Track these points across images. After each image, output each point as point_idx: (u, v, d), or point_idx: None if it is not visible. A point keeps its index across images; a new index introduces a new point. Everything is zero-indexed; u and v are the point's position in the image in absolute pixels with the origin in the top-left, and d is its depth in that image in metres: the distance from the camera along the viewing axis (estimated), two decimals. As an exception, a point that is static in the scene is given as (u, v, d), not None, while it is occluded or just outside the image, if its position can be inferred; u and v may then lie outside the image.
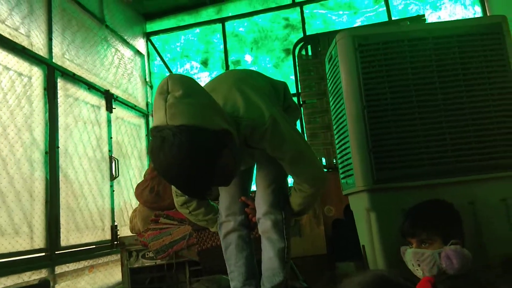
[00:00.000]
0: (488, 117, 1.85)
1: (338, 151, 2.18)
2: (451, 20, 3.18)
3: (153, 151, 1.02)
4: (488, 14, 3.23)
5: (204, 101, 1.06)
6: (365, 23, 3.58)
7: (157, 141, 1.00)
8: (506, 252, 1.79)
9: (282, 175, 1.47)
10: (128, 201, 3.33)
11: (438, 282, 1.36)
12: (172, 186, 1.50)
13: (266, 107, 1.22)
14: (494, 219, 1.80)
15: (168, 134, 0.97)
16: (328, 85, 2.31)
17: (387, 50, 1.92)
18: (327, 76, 2.31)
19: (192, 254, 2.18)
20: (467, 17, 3.20)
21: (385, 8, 3.56)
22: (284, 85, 1.58)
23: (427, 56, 1.90)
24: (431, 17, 3.40)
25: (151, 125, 3.99)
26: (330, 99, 2.27)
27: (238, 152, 1.12)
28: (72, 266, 2.48)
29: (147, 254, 2.29)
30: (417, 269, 1.41)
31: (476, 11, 3.34)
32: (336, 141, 2.22)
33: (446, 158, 1.83)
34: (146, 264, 2.28)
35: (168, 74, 3.99)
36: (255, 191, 1.56)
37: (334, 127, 2.23)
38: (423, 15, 3.24)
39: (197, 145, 0.98)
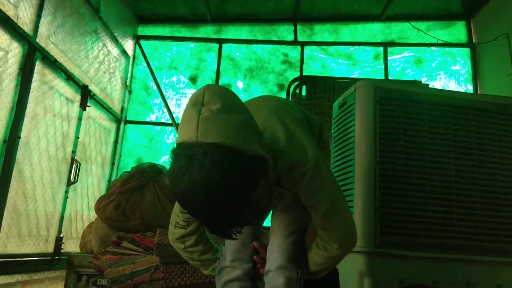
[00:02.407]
0: (496, 197, 1.81)
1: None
2: (471, 93, 3.26)
3: (175, 172, 0.82)
4: (478, 93, 3.33)
5: (244, 120, 0.89)
6: (362, 76, 3.58)
7: (182, 160, 0.81)
8: None
9: (305, 225, 1.28)
10: (80, 211, 2.96)
11: None
12: (174, 215, 1.25)
13: (310, 145, 1.06)
14: (488, 305, 1.71)
15: (198, 152, 0.80)
16: (333, 131, 2.20)
17: (407, 108, 1.85)
18: (334, 122, 2.20)
19: (154, 290, 1.89)
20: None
21: (383, 66, 3.60)
22: (319, 123, 1.43)
23: (445, 123, 1.85)
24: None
25: (121, 131, 3.68)
26: (333, 146, 2.15)
27: (272, 187, 0.95)
28: (2, 280, 2.07)
29: (100, 281, 1.96)
30: None
31: (468, 89, 3.45)
32: (334, 192, 2.08)
33: (451, 232, 1.74)
34: (96, 293, 1.95)
35: (152, 82, 3.75)
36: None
37: (335, 173, 2.09)
38: (420, 81, 3.29)
39: (232, 170, 0.82)
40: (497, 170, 1.83)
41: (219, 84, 3.72)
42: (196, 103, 0.86)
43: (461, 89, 3.47)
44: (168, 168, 0.86)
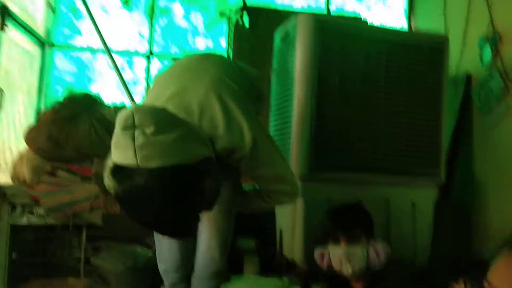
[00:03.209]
0: (418, 128, 1.99)
1: (273, 131, 2.12)
2: (404, 31, 3.34)
3: (124, 201, 0.89)
4: (412, 29, 3.47)
5: (181, 134, 0.91)
6: (305, 9, 3.54)
7: (127, 185, 0.86)
8: (406, 255, 1.97)
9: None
10: (7, 142, 2.77)
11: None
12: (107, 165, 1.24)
13: (248, 127, 1.10)
14: (403, 220, 1.96)
15: (142, 180, 0.85)
16: (275, 64, 2.22)
17: (346, 42, 1.90)
18: (276, 54, 2.21)
19: (95, 218, 1.90)
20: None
21: (325, -2, 3.57)
22: (257, 75, 1.47)
23: (379, 58, 1.94)
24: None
25: (47, 56, 3.37)
26: (274, 78, 2.19)
27: (218, 172, 1.01)
28: None
29: (36, 211, 1.92)
30: (347, 267, 1.44)
31: (403, 25, 3.58)
32: (273, 122, 2.16)
33: (377, 156, 1.91)
34: (33, 222, 1.91)
35: (80, 2, 3.39)
36: None
37: (274, 106, 2.16)
38: (360, 18, 3.33)
39: (180, 186, 0.89)
40: (421, 105, 2.00)
41: (155, 8, 3.49)
42: (127, 127, 0.86)
43: (397, 25, 3.58)
44: (114, 187, 0.90)
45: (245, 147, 1.08)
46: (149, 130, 0.85)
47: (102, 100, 2.33)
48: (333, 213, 1.59)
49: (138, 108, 0.89)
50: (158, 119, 0.89)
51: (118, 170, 0.88)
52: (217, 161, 1.06)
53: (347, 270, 1.45)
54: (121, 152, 0.87)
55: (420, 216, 1.98)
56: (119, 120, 0.87)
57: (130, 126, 0.85)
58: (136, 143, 0.84)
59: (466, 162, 2.38)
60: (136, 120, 0.86)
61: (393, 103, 1.95)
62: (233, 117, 1.10)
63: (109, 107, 2.23)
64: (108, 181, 1.26)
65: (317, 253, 1.55)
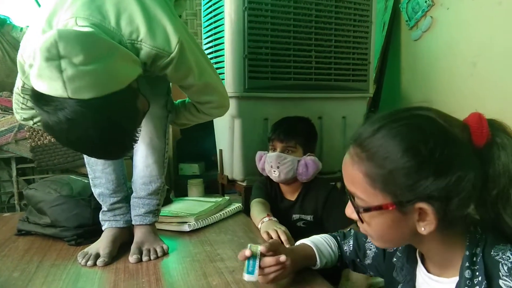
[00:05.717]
0: (346, 52, 2.02)
1: (206, 51, 2.06)
2: None
3: (57, 131, 0.84)
4: None
5: (112, 59, 0.85)
6: None
7: (61, 119, 0.81)
8: (336, 167, 2.11)
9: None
10: None
11: None
12: (18, 96, 1.10)
13: (173, 28, 0.99)
14: (334, 133, 2.08)
15: (75, 111, 0.80)
16: (203, -25, 2.08)
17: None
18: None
19: (22, 150, 1.80)
20: None
21: None
22: None
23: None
24: None
25: None
26: (205, -4, 2.06)
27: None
28: None
29: (-45, 147, 1.78)
30: (275, 171, 1.54)
31: None
32: (205, 41, 2.09)
33: (309, 75, 1.95)
34: (-48, 160, 1.77)
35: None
36: None
37: (205, 24, 2.07)
38: None
39: (117, 110, 0.86)
40: (351, 21, 2.01)
41: None
42: (51, 57, 0.76)
43: None
44: (41, 117, 0.84)
45: (171, 51, 0.99)
46: (78, 59, 0.78)
47: (12, 22, 2.08)
48: (278, 122, 1.64)
49: (61, 35, 0.78)
50: (85, 46, 0.80)
51: (42, 99, 0.81)
52: (144, 71, 1.00)
53: (274, 175, 1.54)
54: (46, 83, 0.78)
55: (350, 128, 2.10)
56: (41, 49, 0.76)
57: (55, 57, 0.76)
58: (64, 75, 0.77)
59: (393, 75, 2.51)
60: (61, 49, 0.76)
61: (323, 18, 1.94)
62: (154, 18, 0.98)
63: (21, 29, 2.01)
64: (20, 110, 1.15)
65: (257, 155, 1.64)
